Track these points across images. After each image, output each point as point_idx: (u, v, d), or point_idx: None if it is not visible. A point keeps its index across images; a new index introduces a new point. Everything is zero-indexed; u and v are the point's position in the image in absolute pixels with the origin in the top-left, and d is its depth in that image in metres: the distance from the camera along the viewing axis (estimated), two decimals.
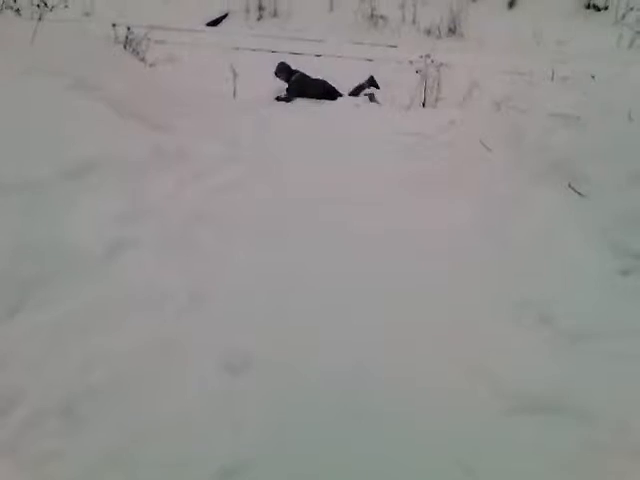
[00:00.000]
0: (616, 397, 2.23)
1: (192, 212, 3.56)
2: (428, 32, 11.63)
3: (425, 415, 2.25)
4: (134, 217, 3.22)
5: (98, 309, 2.54)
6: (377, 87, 8.27)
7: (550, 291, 2.87)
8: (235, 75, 7.47)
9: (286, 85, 8.17)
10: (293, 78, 7.91)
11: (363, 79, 8.76)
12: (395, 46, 10.34)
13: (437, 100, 8.72)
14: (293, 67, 8.26)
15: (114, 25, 7.91)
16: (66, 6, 6.75)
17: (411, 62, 8.66)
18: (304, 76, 7.99)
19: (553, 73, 7.39)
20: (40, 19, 5.92)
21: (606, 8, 11.52)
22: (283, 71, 7.99)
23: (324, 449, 2.10)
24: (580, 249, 3.09)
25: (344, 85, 8.54)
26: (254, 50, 9.81)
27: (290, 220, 3.82)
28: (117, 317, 2.55)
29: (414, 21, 11.72)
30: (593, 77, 6.29)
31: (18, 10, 7.56)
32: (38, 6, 6.26)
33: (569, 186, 3.47)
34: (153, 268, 2.89)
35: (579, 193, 3.44)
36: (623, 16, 10.90)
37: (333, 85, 8.26)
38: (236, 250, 3.32)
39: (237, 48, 9.78)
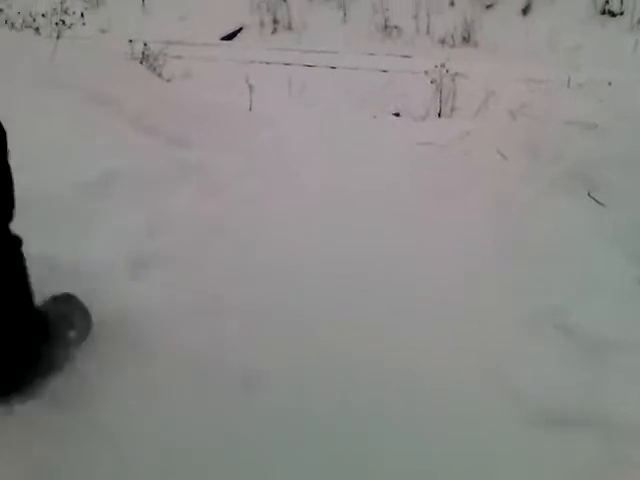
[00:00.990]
0: (638, 410, 2.20)
1: (211, 226, 3.58)
2: (442, 41, 11.66)
3: (442, 427, 2.23)
4: (154, 232, 3.24)
5: (117, 326, 2.56)
6: None
7: (571, 302, 2.83)
8: (251, 88, 7.54)
9: (299, 95, 8.27)
10: None
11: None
12: (410, 56, 10.38)
13: (453, 110, 8.74)
14: (308, 80, 8.37)
15: (130, 41, 8.03)
16: (83, 24, 6.88)
17: (426, 72, 8.70)
18: None
19: (569, 80, 7.37)
20: (59, 37, 6.04)
21: (622, 14, 11.46)
22: None
23: (337, 463, 2.09)
24: (600, 258, 3.07)
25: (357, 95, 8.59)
26: (269, 63, 9.89)
27: (308, 231, 3.83)
28: (136, 333, 2.57)
29: (428, 31, 11.76)
30: (610, 83, 6.27)
31: (37, 29, 7.74)
32: (57, 24, 6.38)
33: (588, 195, 3.45)
34: (173, 284, 2.91)
35: (598, 202, 3.42)
36: (639, 21, 10.85)
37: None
38: (256, 264, 3.32)
39: (252, 62, 9.87)
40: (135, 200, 3.38)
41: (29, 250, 2.46)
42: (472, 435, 2.19)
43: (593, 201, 3.43)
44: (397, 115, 8.29)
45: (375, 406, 2.33)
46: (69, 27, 6.52)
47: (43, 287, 2.53)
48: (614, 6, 11.68)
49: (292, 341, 2.67)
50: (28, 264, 2.30)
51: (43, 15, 6.87)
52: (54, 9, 6.32)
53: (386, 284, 3.20)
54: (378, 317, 2.87)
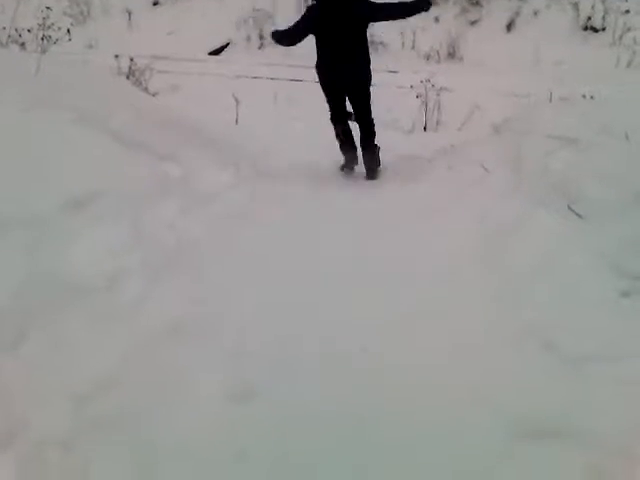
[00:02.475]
0: (621, 423, 2.19)
1: (195, 241, 3.59)
2: (428, 57, 11.75)
3: (428, 443, 2.23)
4: (136, 246, 3.24)
5: (100, 342, 2.54)
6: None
7: (551, 315, 2.84)
8: (237, 103, 7.56)
9: (285, 110, 8.30)
10: None
11: None
12: (396, 71, 10.44)
13: (438, 124, 8.79)
14: (294, 94, 8.44)
15: (116, 56, 8.03)
16: (69, 39, 6.86)
17: (412, 87, 8.75)
18: None
19: (551, 95, 7.44)
20: (45, 52, 6.02)
21: (604, 29, 11.61)
22: None
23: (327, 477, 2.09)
24: (580, 272, 3.07)
25: None
26: (255, 78, 9.92)
27: (294, 245, 3.84)
28: (119, 349, 2.55)
29: (413, 46, 11.86)
30: (592, 98, 6.33)
31: (23, 44, 7.71)
32: (42, 39, 6.36)
33: (569, 208, 3.47)
34: (155, 298, 2.90)
35: (579, 215, 3.44)
36: (620, 37, 10.99)
37: None
38: (240, 278, 3.34)
39: (239, 76, 9.90)
40: (119, 216, 3.36)
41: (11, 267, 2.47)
42: (455, 449, 2.19)
43: (574, 214, 3.44)
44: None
45: (362, 421, 2.32)
46: (55, 42, 6.50)
47: (24, 301, 2.52)
48: (596, 22, 11.83)
49: (278, 354, 2.67)
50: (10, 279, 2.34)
51: (29, 30, 6.86)
52: (39, 25, 6.30)
53: (370, 298, 3.20)
54: (362, 332, 2.87)
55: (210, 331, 2.78)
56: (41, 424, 2.13)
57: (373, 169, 5.84)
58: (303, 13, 5.32)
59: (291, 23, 5.36)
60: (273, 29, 5.61)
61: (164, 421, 2.27)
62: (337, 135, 5.74)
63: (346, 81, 5.34)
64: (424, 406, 2.39)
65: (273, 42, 5.59)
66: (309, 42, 5.43)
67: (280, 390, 2.45)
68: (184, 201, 4.04)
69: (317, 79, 5.60)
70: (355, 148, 5.89)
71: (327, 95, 5.57)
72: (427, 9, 5.10)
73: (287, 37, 5.30)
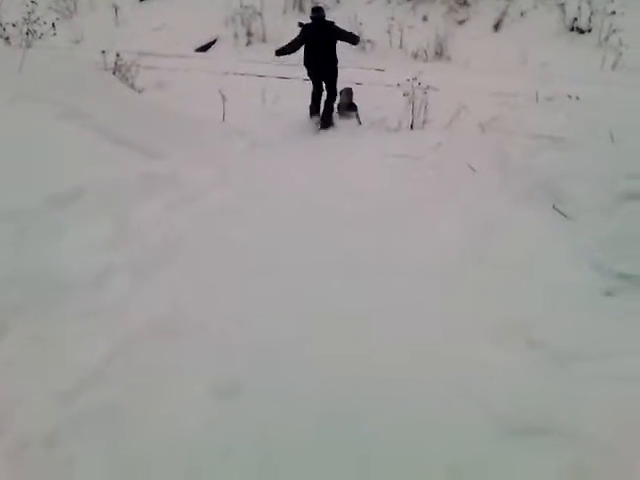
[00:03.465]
0: (603, 419, 2.22)
1: (181, 237, 3.57)
2: (415, 55, 11.73)
3: (418, 439, 2.24)
4: (121, 243, 3.23)
5: (85, 339, 2.53)
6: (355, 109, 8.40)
7: (536, 313, 2.86)
8: (224, 100, 7.52)
9: (272, 107, 8.33)
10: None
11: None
12: (383, 70, 10.44)
13: (425, 122, 8.78)
14: (280, 91, 8.51)
15: (103, 52, 7.95)
16: (54, 34, 6.79)
17: (399, 85, 8.73)
18: None
19: (537, 94, 7.48)
20: (30, 47, 5.97)
21: (590, 30, 11.65)
22: None
23: (318, 471, 2.09)
24: (565, 270, 3.11)
25: None
26: (243, 75, 9.88)
27: (281, 242, 3.82)
28: (105, 346, 2.54)
29: (401, 45, 11.84)
30: (577, 98, 6.37)
31: (7, 38, 7.63)
32: (27, 34, 6.30)
33: (553, 207, 3.50)
34: (141, 295, 2.89)
35: (563, 214, 3.47)
36: (606, 38, 11.04)
37: None
38: (226, 274, 3.33)
39: (226, 73, 9.86)
40: (103, 212, 3.35)
41: None
42: (446, 445, 2.20)
43: (559, 213, 3.47)
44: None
45: (350, 414, 2.33)
46: (40, 37, 6.43)
47: (7, 296, 2.50)
48: (582, 23, 11.87)
49: (263, 349, 2.67)
50: None
51: (13, 25, 6.78)
52: (25, 19, 6.23)
53: (357, 294, 3.21)
54: (349, 325, 2.87)
55: (196, 328, 2.77)
56: (24, 421, 2.12)
57: (326, 121, 8.07)
58: (299, 32, 7.95)
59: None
60: (275, 49, 8.10)
61: (149, 418, 2.27)
62: (312, 97, 8.18)
63: (322, 73, 8.11)
64: (413, 404, 2.40)
65: (277, 57, 8.10)
66: None
67: (266, 386, 2.45)
68: (170, 197, 4.03)
69: (305, 72, 8.12)
70: (318, 111, 8.17)
71: (311, 79, 8.22)
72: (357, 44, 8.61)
73: (289, 48, 7.99)
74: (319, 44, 7.87)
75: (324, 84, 8.17)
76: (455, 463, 2.14)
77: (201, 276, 3.25)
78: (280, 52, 7.97)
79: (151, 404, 2.32)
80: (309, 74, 8.19)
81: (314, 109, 8.31)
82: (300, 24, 8.12)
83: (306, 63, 8.07)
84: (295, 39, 7.94)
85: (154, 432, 2.19)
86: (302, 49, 7.97)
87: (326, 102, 8.17)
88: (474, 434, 2.25)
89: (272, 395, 2.38)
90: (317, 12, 8.00)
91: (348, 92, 8.34)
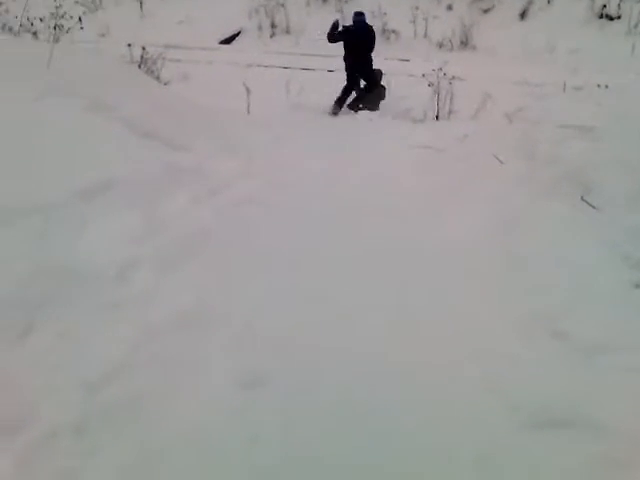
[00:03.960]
0: (631, 412, 2.19)
1: (205, 229, 3.58)
2: (440, 45, 11.65)
3: (440, 431, 2.23)
4: (147, 235, 3.24)
5: (110, 331, 2.55)
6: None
7: (563, 304, 2.83)
8: (249, 92, 7.53)
9: (296, 99, 8.37)
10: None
11: None
12: (408, 60, 10.37)
13: (450, 113, 8.72)
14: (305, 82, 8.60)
15: (129, 45, 8.01)
16: (81, 28, 6.83)
17: (424, 75, 8.68)
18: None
19: (565, 84, 7.37)
20: (57, 41, 6.02)
21: (619, 17, 11.46)
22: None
23: (338, 462, 2.09)
24: (593, 262, 3.06)
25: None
26: (267, 67, 9.88)
27: (306, 233, 3.82)
28: (130, 338, 2.56)
29: (425, 35, 11.76)
30: (607, 87, 6.27)
31: (35, 33, 7.72)
32: (55, 28, 6.36)
33: (582, 199, 3.45)
34: (166, 287, 2.90)
35: (592, 206, 3.42)
36: (636, 25, 10.85)
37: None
38: (251, 266, 3.33)
39: (250, 65, 9.87)
40: (130, 205, 3.37)
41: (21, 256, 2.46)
42: (470, 438, 2.18)
43: (587, 205, 3.42)
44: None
45: (373, 405, 2.32)
46: (67, 32, 6.49)
47: (33, 290, 2.53)
48: (611, 10, 11.67)
49: (289, 341, 2.67)
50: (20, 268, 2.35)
51: (41, 20, 6.86)
52: (52, 13, 6.28)
53: (383, 285, 3.20)
54: (373, 316, 2.87)
55: (220, 319, 2.77)
56: (51, 412, 2.15)
57: (373, 103, 8.64)
58: (340, 32, 8.59)
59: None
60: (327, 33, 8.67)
61: (175, 408, 2.28)
62: (343, 90, 8.67)
63: (358, 71, 8.66)
64: (436, 396, 2.39)
65: (327, 39, 8.62)
66: None
67: (289, 377, 2.45)
68: (196, 190, 4.05)
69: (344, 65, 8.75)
70: (341, 105, 8.66)
71: (347, 74, 8.71)
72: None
73: (332, 38, 8.58)
74: (358, 45, 8.47)
75: (361, 80, 8.69)
76: (482, 455, 2.12)
77: (226, 269, 3.26)
78: (331, 36, 8.56)
79: (176, 394, 2.34)
80: (345, 68, 8.72)
81: (340, 102, 8.62)
82: (341, 25, 8.71)
83: (345, 58, 8.71)
84: (336, 35, 8.58)
85: (179, 421, 2.21)
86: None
87: (367, 88, 8.68)
88: (500, 426, 2.23)
89: (296, 386, 2.38)
90: (359, 16, 8.61)
91: (377, 72, 8.75)
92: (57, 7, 6.13)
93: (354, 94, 8.87)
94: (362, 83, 8.90)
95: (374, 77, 8.72)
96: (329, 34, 8.62)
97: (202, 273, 3.12)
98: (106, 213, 3.18)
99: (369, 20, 9.07)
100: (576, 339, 2.58)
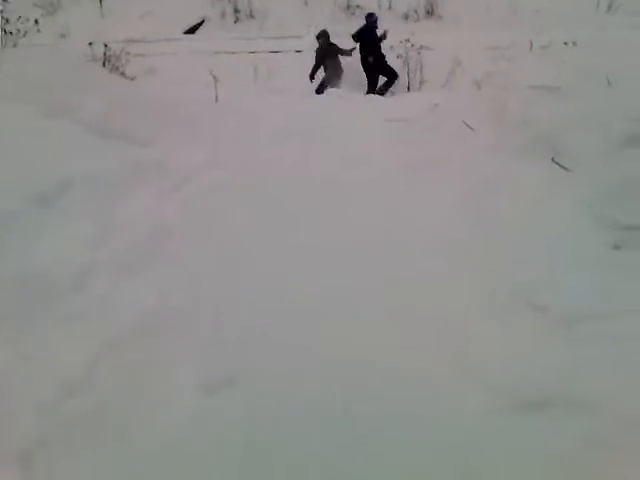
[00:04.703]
0: (618, 385, 2.03)
1: (169, 227, 3.40)
2: (406, 16, 11.45)
3: (421, 415, 2.08)
4: (108, 238, 3.07)
5: (69, 344, 2.39)
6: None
7: (541, 274, 2.65)
8: (216, 80, 7.32)
9: (265, 83, 8.22)
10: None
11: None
12: None
13: (421, 83, 8.60)
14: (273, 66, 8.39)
15: (90, 44, 7.78)
16: (38, 30, 6.61)
17: (392, 47, 8.53)
18: None
19: (532, 44, 7.22)
20: (15, 45, 5.81)
21: None
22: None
23: (315, 459, 1.96)
24: (569, 226, 2.91)
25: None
26: (233, 53, 9.65)
27: (277, 223, 3.67)
28: (90, 350, 2.40)
29: (390, 7, 11.53)
30: (574, 44, 6.13)
31: None
32: (11, 33, 6.15)
33: (553, 160, 3.32)
34: (127, 292, 2.74)
35: (564, 167, 3.29)
36: None
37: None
38: (215, 265, 3.13)
39: (216, 53, 9.63)
40: (89, 207, 3.20)
41: None
42: (452, 420, 2.04)
43: (559, 167, 3.28)
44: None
45: (348, 395, 2.18)
46: (24, 36, 6.27)
47: None
48: None
49: (257, 341, 2.50)
50: None
51: None
52: (5, 18, 6.06)
53: (355, 263, 3.05)
54: (345, 298, 2.73)
55: (184, 323, 2.59)
56: (5, 437, 1.99)
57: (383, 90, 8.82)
58: (354, 36, 8.94)
59: None
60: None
61: (139, 418, 2.12)
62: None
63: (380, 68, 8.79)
64: (415, 378, 2.23)
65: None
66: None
67: (257, 379, 2.28)
68: (159, 186, 3.87)
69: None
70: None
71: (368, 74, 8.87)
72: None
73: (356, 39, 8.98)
74: (371, 42, 8.70)
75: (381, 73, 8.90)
76: (459, 438, 1.98)
77: (190, 267, 3.06)
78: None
79: (139, 404, 2.17)
80: (366, 69, 8.91)
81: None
82: (353, 35, 9.01)
83: (363, 60, 8.91)
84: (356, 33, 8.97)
85: (144, 433, 2.06)
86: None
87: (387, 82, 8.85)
88: (478, 411, 2.07)
89: (263, 388, 2.23)
90: (371, 17, 8.98)
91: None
92: (1, 11, 5.91)
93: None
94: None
95: (391, 68, 8.77)
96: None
97: (165, 274, 2.93)
98: (64, 218, 3.01)
99: None
100: (556, 311, 2.41)
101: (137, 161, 4.03)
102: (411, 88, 8.65)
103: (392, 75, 8.77)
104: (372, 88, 8.85)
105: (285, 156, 5.29)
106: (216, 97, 7.25)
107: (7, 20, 5.95)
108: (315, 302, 2.74)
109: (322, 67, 9.00)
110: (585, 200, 3.01)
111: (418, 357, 2.32)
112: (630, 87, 3.70)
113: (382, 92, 8.70)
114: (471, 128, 4.71)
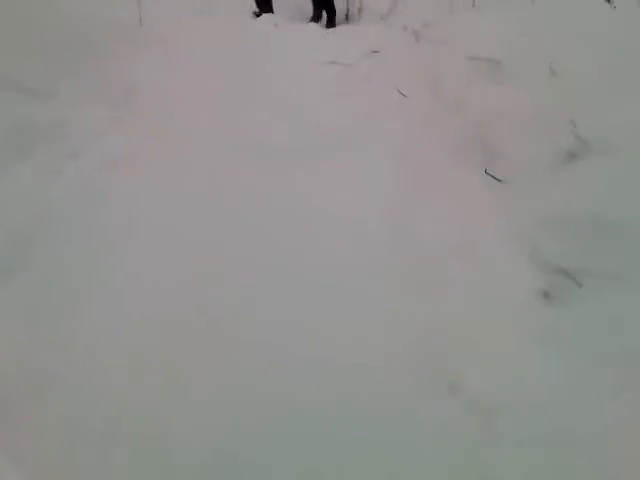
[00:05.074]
0: None
1: (53, 213, 2.71)
2: None
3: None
4: None
5: None
6: None
7: (459, 339, 2.10)
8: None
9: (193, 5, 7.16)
10: None
11: None
12: None
13: (360, 11, 7.89)
14: None
15: None
16: None
17: None
18: None
19: None
20: None
21: None
22: None
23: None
24: (496, 260, 2.42)
25: None
26: None
27: (192, 199, 3.00)
28: None
29: None
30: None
31: None
32: None
33: (486, 172, 2.80)
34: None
35: (497, 179, 2.78)
36: None
37: None
38: (113, 264, 2.50)
39: None
40: None
41: None
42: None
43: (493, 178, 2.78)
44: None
45: (308, 406, 1.86)
46: None
47: None
48: None
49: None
50: None
51: None
52: None
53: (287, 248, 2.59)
54: (281, 296, 2.32)
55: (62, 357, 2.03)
56: None
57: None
58: None
59: None
60: None
61: None
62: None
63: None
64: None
65: None
66: None
67: None
68: (49, 155, 3.15)
69: None
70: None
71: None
72: None
73: None
74: None
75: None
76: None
77: (70, 278, 2.39)
78: None
79: None
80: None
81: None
82: None
83: None
84: None
85: None
86: None
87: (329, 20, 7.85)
88: None
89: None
90: None
91: None
92: None
93: None
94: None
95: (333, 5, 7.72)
96: None
97: (39, 283, 2.29)
98: None
99: None
100: (474, 395, 1.93)
101: (26, 121, 3.28)
102: (350, 18, 7.86)
103: (332, 13, 7.81)
104: (316, 18, 7.85)
105: (207, 103, 4.56)
106: (140, 19, 6.21)
107: None
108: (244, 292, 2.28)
109: None
110: (518, 225, 2.53)
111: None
112: (578, 80, 3.11)
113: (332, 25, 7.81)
114: (403, 95, 4.12)
